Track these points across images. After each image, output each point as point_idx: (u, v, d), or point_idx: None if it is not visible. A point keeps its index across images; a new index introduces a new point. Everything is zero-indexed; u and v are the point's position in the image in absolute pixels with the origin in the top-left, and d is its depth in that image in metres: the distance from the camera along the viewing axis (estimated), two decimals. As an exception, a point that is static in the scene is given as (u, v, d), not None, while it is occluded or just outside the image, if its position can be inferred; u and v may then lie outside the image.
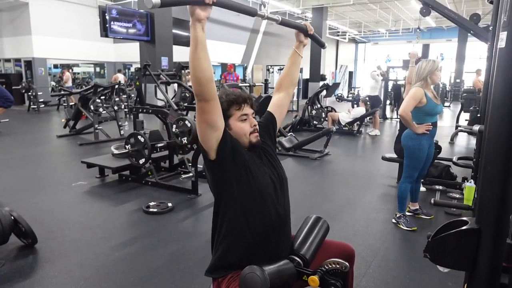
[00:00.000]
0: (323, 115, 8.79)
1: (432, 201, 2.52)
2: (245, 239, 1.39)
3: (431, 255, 0.96)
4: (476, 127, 1.60)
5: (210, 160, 1.38)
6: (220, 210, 1.44)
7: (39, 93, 11.53)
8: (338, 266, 1.39)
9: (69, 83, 11.54)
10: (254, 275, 1.25)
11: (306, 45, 1.70)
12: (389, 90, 11.48)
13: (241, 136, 1.44)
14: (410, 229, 3.13)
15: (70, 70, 12.12)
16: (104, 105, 7.44)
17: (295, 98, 14.08)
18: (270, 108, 1.69)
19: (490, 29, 3.65)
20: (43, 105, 11.71)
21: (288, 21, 1.59)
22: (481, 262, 0.87)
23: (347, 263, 1.39)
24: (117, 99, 7.97)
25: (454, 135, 7.46)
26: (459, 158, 4.67)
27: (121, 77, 12.83)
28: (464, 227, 0.91)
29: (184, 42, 10.84)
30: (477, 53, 19.58)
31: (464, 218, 0.95)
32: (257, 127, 1.48)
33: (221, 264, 1.41)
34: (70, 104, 10.77)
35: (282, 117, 1.72)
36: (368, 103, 8.49)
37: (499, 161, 0.82)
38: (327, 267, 1.40)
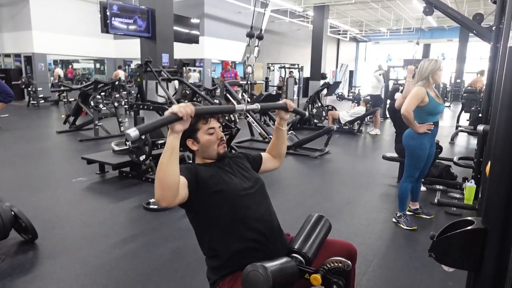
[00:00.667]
0: (324, 114, 8.78)
1: (436, 200, 2.52)
2: (236, 251, 1.42)
3: (436, 255, 0.96)
4: (480, 127, 1.60)
5: (185, 205, 1.41)
6: (204, 237, 1.48)
7: (39, 89, 11.50)
8: (340, 264, 1.39)
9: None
10: (256, 273, 1.25)
11: (287, 119, 1.73)
12: (390, 89, 11.46)
13: (209, 148, 1.51)
14: (410, 228, 3.14)
15: (59, 66, 12.15)
16: (104, 101, 7.43)
17: (295, 97, 14.10)
18: (263, 156, 1.78)
19: (493, 29, 3.64)
20: (42, 101, 11.69)
21: (267, 105, 1.75)
22: (487, 262, 0.86)
23: (349, 262, 1.39)
24: (117, 95, 7.95)
25: (454, 135, 7.46)
26: (460, 158, 4.67)
27: (121, 74, 12.81)
28: (470, 227, 0.90)
29: (185, 39, 10.83)
30: (478, 53, 19.58)
31: (470, 218, 0.95)
32: (224, 139, 1.55)
33: (219, 276, 1.44)
34: (64, 100, 10.78)
35: (265, 170, 1.77)
36: (369, 102, 8.46)
37: (507, 161, 0.81)
38: (329, 266, 1.40)
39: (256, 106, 1.55)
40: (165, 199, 1.26)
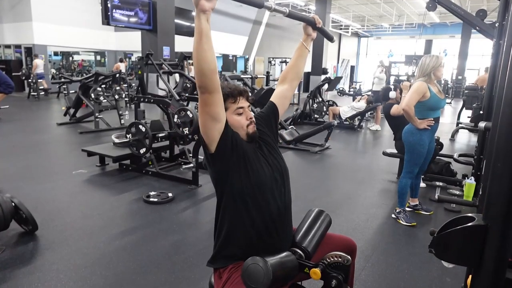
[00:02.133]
0: (324, 109, 8.77)
1: (436, 196, 2.53)
2: (245, 230, 1.40)
3: (436, 251, 0.96)
4: (482, 124, 1.59)
5: (211, 152, 1.37)
6: (221, 202, 1.44)
7: (39, 80, 11.47)
8: (340, 259, 1.40)
9: (39, 70, 11.51)
10: (257, 266, 1.25)
11: (314, 38, 1.67)
12: (382, 89, 11.44)
13: (239, 128, 1.44)
14: (409, 224, 3.15)
15: (41, 57, 12.18)
16: (105, 94, 7.41)
17: (296, 91, 14.05)
18: (273, 99, 1.67)
19: (496, 25, 3.62)
20: (43, 93, 11.66)
21: (295, 14, 1.56)
22: (487, 259, 0.87)
23: (349, 257, 1.39)
24: (118, 88, 7.93)
25: (455, 132, 7.46)
26: (460, 155, 4.67)
27: (122, 66, 12.77)
28: (470, 224, 0.90)
29: (186, 32, 10.77)
30: (480, 50, 19.49)
31: (471, 215, 0.95)
32: (254, 119, 1.48)
33: (222, 255, 1.42)
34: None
35: (284, 110, 1.70)
36: (371, 102, 8.40)
37: (509, 158, 0.81)
38: (329, 260, 1.40)
39: (285, 9, 1.47)
40: (205, 86, 1.23)
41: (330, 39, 1.77)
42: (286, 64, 14.87)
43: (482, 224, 0.87)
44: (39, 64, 11.61)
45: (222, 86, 1.43)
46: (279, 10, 1.46)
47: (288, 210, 1.50)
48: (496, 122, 1.15)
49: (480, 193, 1.33)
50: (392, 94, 4.49)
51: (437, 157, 4.39)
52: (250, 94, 1.52)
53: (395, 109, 4.21)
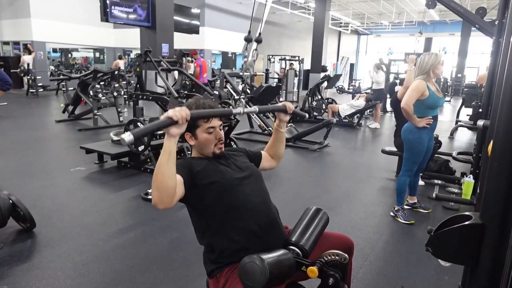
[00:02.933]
0: (324, 107, 8.76)
1: (434, 195, 2.53)
2: (233, 241, 1.41)
3: (433, 249, 0.96)
4: (480, 122, 1.59)
5: (183, 201, 1.40)
6: (202, 230, 1.48)
7: (38, 77, 11.44)
8: (337, 257, 1.40)
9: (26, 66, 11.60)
10: (253, 265, 1.25)
11: (287, 121, 1.74)
12: (388, 84, 11.42)
13: (206, 146, 1.50)
14: (408, 222, 3.15)
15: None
16: (104, 91, 7.39)
17: (295, 89, 14.04)
18: (262, 154, 1.77)
19: (496, 23, 3.61)
20: (41, 89, 11.63)
21: (266, 108, 1.75)
22: (484, 258, 0.86)
23: (346, 255, 1.39)
24: (116, 85, 7.91)
25: (454, 130, 7.46)
26: (459, 153, 4.67)
27: (121, 63, 12.73)
28: (467, 222, 0.90)
29: (185, 29, 10.74)
30: (480, 48, 19.48)
31: (468, 213, 0.95)
32: (223, 140, 1.53)
33: (216, 267, 1.44)
34: (63, 88, 10.68)
35: (263, 169, 1.76)
36: (371, 100, 8.39)
37: (507, 157, 0.81)
38: (326, 259, 1.40)
39: (255, 109, 1.54)
40: (163, 201, 1.25)
41: (303, 117, 1.90)
42: (285, 62, 14.92)
43: (479, 223, 0.87)
44: (25, 60, 11.58)
45: (197, 104, 1.49)
46: (250, 111, 1.52)
47: (270, 207, 1.52)
48: (494, 120, 1.14)
49: (478, 191, 1.33)
50: (398, 88, 4.48)
51: (436, 155, 4.39)
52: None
53: (401, 91, 4.12)
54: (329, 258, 1.40)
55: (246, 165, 1.58)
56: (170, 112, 1.19)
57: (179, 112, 1.19)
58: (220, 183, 1.43)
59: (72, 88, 8.89)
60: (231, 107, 4.33)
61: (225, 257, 1.41)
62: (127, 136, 1.08)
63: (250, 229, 1.41)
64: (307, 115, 1.94)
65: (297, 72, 14.30)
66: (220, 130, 1.53)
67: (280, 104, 1.66)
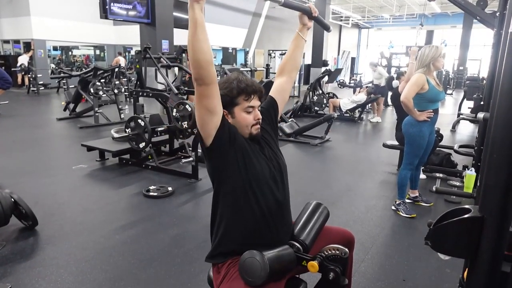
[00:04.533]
0: (325, 101, 8.74)
1: (434, 188, 2.52)
2: (243, 225, 1.38)
3: (432, 243, 0.96)
4: (480, 115, 1.58)
5: (207, 146, 1.35)
6: (219, 197, 1.42)
7: (38, 75, 11.44)
8: (337, 252, 1.39)
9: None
10: (253, 260, 1.25)
11: (310, 28, 1.65)
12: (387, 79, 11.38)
13: (243, 126, 1.41)
14: (409, 216, 3.14)
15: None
16: (104, 88, 7.39)
17: (296, 84, 13.99)
18: (272, 93, 1.64)
19: (497, 15, 3.58)
20: (42, 88, 11.64)
21: (291, 3, 1.54)
22: (483, 251, 0.86)
23: (346, 249, 1.39)
24: (117, 82, 7.91)
25: (456, 123, 7.43)
26: (460, 146, 4.65)
27: (121, 60, 12.72)
28: (466, 215, 0.90)
29: (185, 25, 10.65)
30: (482, 40, 19.34)
31: (467, 206, 0.94)
32: (261, 120, 1.45)
33: (221, 250, 1.41)
34: (64, 86, 10.71)
35: (284, 103, 1.68)
36: (372, 93, 8.37)
37: (506, 149, 0.80)
38: (326, 253, 1.40)
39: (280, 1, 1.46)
40: (202, 78, 1.21)
41: (327, 29, 1.76)
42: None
43: (478, 216, 0.87)
44: (20, 60, 11.75)
45: (239, 79, 1.41)
46: (275, 0, 1.44)
47: (286, 204, 1.49)
48: (493, 113, 1.14)
49: (478, 184, 1.32)
50: (395, 83, 4.47)
51: (438, 148, 4.38)
52: (263, 93, 1.49)
53: (403, 85, 4.11)
54: (330, 252, 1.40)
55: (278, 156, 1.51)
56: None
57: None
58: (250, 174, 1.36)
59: (73, 86, 8.90)
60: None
61: (233, 243, 1.38)
62: None
63: (266, 222, 1.38)
64: (331, 28, 1.80)
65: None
66: (259, 110, 1.46)
67: (306, 5, 1.58)
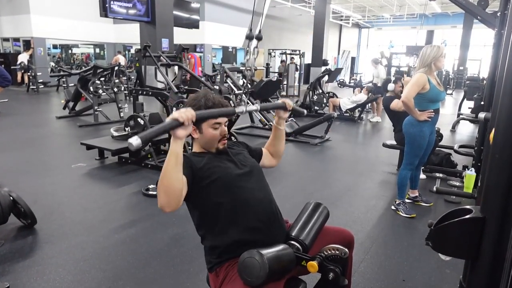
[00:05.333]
0: (325, 101, 8.73)
1: (434, 188, 2.52)
2: (236, 239, 1.40)
3: (433, 243, 0.95)
4: (481, 115, 1.57)
5: (185, 199, 1.39)
6: (204, 226, 1.47)
7: (38, 74, 11.43)
8: (337, 252, 1.39)
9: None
10: (253, 260, 1.25)
11: (285, 118, 1.72)
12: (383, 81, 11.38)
13: (211, 141, 1.50)
14: (409, 216, 3.14)
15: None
16: (104, 86, 7.38)
17: (296, 83, 13.98)
18: (263, 151, 1.76)
19: (498, 15, 3.57)
20: (42, 86, 11.62)
21: (267, 105, 1.81)
22: (484, 252, 0.85)
23: (346, 249, 1.39)
24: (116, 80, 7.89)
25: (456, 123, 7.42)
26: (460, 146, 4.65)
27: (121, 59, 12.70)
28: (468, 216, 0.89)
29: (185, 24, 10.68)
30: (482, 40, 19.34)
31: (468, 207, 0.94)
32: (227, 135, 1.53)
33: (217, 261, 1.42)
34: (63, 85, 10.73)
35: (264, 166, 1.74)
36: (372, 90, 8.39)
37: (508, 150, 0.80)
38: (326, 253, 1.40)
39: (256, 107, 1.56)
40: (170, 205, 1.25)
41: (301, 114, 1.91)
42: (286, 56, 14.85)
43: (480, 217, 0.86)
44: (19, 58, 11.87)
45: (207, 98, 1.48)
46: (251, 110, 1.52)
47: (272, 202, 1.51)
48: (495, 113, 1.13)
49: (479, 184, 1.31)
50: (391, 87, 4.46)
51: (437, 148, 4.37)
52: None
53: (394, 104, 4.19)
54: (329, 252, 1.39)
55: (248, 161, 1.57)
56: (176, 114, 1.18)
57: (185, 114, 1.17)
58: (221, 180, 1.42)
59: (72, 84, 8.89)
60: (231, 102, 4.30)
61: (227, 252, 1.40)
62: (135, 141, 1.06)
63: (252, 225, 1.40)
64: (305, 111, 1.95)
65: (298, 66, 14.23)
66: (225, 126, 1.53)
67: (279, 101, 1.65)
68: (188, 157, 1.47)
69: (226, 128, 1.53)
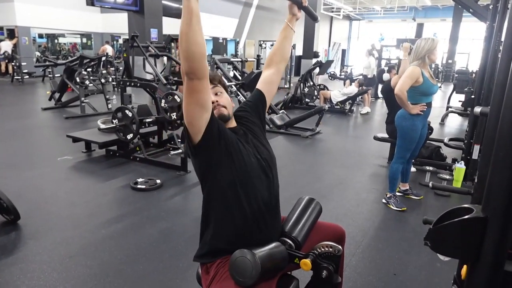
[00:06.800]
0: (316, 93, 8.70)
1: (430, 184, 2.52)
2: (233, 224, 1.33)
3: (432, 243, 0.91)
4: (478, 109, 1.55)
5: (195, 143, 1.30)
6: (207, 195, 1.38)
7: (23, 64, 11.13)
8: (331, 249, 1.36)
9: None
10: (244, 259, 1.20)
11: (299, 18, 1.61)
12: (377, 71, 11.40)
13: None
14: (400, 209, 3.14)
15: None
16: (91, 77, 7.20)
17: (287, 75, 13.90)
18: (259, 86, 1.60)
19: (490, 7, 3.56)
20: (27, 76, 11.33)
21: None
22: (486, 252, 0.82)
23: (340, 247, 1.35)
24: (104, 71, 7.71)
25: (445, 116, 7.47)
26: (450, 139, 4.67)
27: (109, 49, 12.43)
28: (469, 216, 0.85)
29: (174, 14, 10.49)
30: (470, 34, 19.50)
31: (468, 206, 0.90)
32: (219, 103, 1.40)
33: (209, 250, 1.36)
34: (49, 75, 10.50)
35: (273, 95, 1.64)
36: (363, 82, 8.40)
37: (513, 147, 0.76)
38: (319, 250, 1.36)
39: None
40: (194, 72, 1.15)
41: (315, 19, 1.73)
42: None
43: (481, 216, 0.83)
44: (2, 47, 11.63)
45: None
46: None
47: (276, 200, 1.44)
48: (494, 108, 1.10)
49: (476, 181, 1.28)
50: (386, 77, 4.45)
51: (428, 141, 4.38)
52: (220, 77, 1.47)
53: (395, 80, 4.07)
54: (323, 250, 1.36)
55: (264, 147, 1.46)
56: None
57: None
58: (236, 165, 1.32)
59: (58, 75, 8.67)
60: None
61: (222, 241, 1.33)
62: None
63: (255, 219, 1.33)
64: (319, 18, 1.78)
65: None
66: (217, 94, 1.42)
67: None
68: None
69: (218, 98, 1.41)
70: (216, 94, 1.42)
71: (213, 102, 1.37)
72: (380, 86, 11.42)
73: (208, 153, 1.31)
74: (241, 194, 1.32)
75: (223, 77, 1.48)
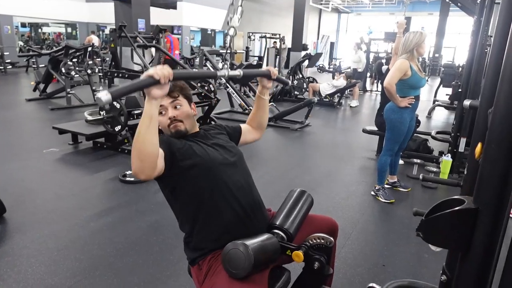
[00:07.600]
0: (305, 86, 8.71)
1: (421, 176, 2.56)
2: (222, 220, 1.35)
3: (424, 234, 0.93)
4: (467, 102, 1.57)
5: (161, 179, 1.33)
6: (183, 214, 1.42)
7: (5, 53, 10.84)
8: (322, 241, 1.37)
9: None
10: (237, 251, 1.21)
11: (270, 88, 1.65)
12: (370, 62, 11.45)
13: (163, 128, 1.43)
14: (388, 201, 3.18)
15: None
16: (77, 68, 7.06)
17: (276, 68, 13.87)
18: (242, 127, 1.68)
19: (478, 2, 3.60)
20: (10, 66, 11.05)
21: (250, 72, 1.64)
22: (477, 243, 0.84)
23: (331, 238, 1.37)
24: (90, 62, 7.56)
25: (431, 109, 7.58)
26: (437, 133, 4.74)
27: (95, 39, 12.19)
28: (460, 207, 0.87)
29: (162, 4, 10.33)
30: (457, 28, 19.74)
31: (460, 197, 0.92)
32: (177, 118, 1.42)
33: (198, 254, 1.37)
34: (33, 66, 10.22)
35: (245, 143, 1.69)
36: (351, 75, 8.45)
37: (505, 139, 0.77)
38: (311, 242, 1.37)
39: (239, 72, 1.43)
40: (144, 171, 1.16)
41: (286, 84, 1.84)
42: (266, 40, 14.64)
43: (473, 207, 0.84)
44: None
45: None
46: (234, 75, 1.41)
47: (252, 189, 1.47)
48: (484, 101, 1.11)
49: (466, 173, 1.31)
50: (385, 69, 4.48)
51: (415, 134, 4.44)
52: (182, 88, 1.47)
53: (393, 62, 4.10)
54: (315, 241, 1.37)
55: (227, 145, 1.50)
56: (151, 71, 1.07)
57: (161, 71, 1.07)
58: (200, 165, 1.34)
59: (43, 65, 8.47)
60: (211, 86, 4.19)
61: (208, 242, 1.35)
62: (104, 95, 0.96)
63: (234, 213, 1.35)
64: (289, 82, 1.88)
65: (279, 51, 14.06)
66: (176, 108, 1.42)
67: (264, 69, 1.56)
68: (167, 136, 1.40)
69: (174, 111, 1.42)
70: (175, 107, 1.42)
71: (170, 119, 1.41)
72: (368, 79, 11.51)
73: (170, 177, 1.33)
74: (217, 196, 1.35)
75: (185, 85, 1.48)
